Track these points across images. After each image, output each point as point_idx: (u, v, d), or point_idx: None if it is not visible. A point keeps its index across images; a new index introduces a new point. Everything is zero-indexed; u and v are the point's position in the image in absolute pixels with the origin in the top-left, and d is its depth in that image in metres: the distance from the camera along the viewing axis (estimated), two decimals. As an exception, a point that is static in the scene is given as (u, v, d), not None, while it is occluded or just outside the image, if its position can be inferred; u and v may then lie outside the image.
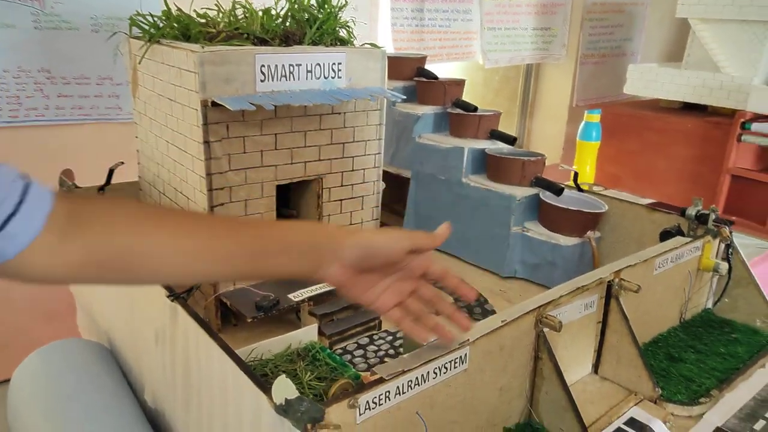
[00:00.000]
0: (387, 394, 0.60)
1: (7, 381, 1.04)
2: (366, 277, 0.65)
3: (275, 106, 0.88)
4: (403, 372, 0.61)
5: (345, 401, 0.57)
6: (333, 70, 0.99)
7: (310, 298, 0.95)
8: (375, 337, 0.98)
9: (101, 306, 1.12)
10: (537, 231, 1.18)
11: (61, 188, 1.19)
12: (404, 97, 1.07)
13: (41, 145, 1.62)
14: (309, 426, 0.53)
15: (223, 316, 0.98)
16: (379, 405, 0.59)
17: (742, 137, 1.99)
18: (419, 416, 0.64)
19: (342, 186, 1.07)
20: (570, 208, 1.14)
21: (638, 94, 2.42)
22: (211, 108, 0.88)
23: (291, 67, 0.94)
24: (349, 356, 0.93)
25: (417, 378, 0.62)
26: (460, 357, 0.67)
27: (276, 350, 0.84)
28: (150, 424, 0.90)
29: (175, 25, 0.99)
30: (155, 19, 1.01)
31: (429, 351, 0.65)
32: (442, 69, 1.69)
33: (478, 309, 1.10)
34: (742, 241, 1.06)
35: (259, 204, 0.98)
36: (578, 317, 0.84)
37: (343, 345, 0.96)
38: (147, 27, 1.01)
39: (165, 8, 1.01)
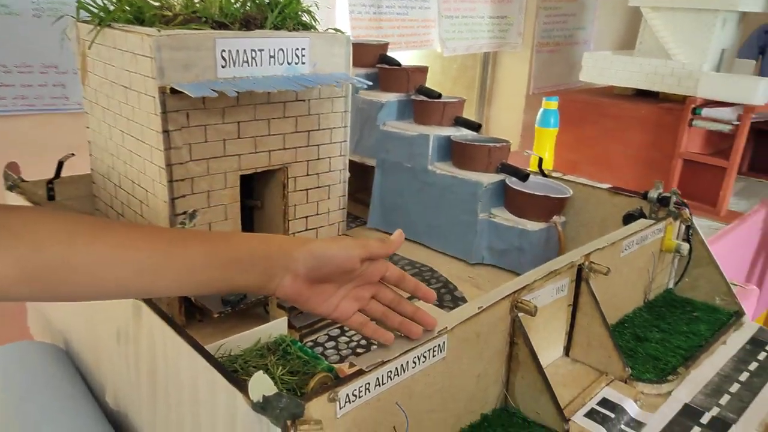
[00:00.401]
0: (367, 386, 0.58)
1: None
2: (321, 287, 0.62)
3: (238, 93, 0.84)
4: (383, 363, 0.60)
5: (325, 395, 0.55)
6: (296, 56, 0.96)
7: (278, 291, 0.93)
8: (346, 328, 0.96)
9: (56, 305, 1.07)
10: (504, 217, 1.19)
11: (7, 183, 1.12)
12: (370, 83, 1.05)
13: (-18, 138, 1.52)
14: (289, 423, 0.51)
15: (187, 311, 0.95)
16: (359, 397, 0.58)
17: (693, 122, 2.05)
18: (399, 407, 0.63)
19: (308, 175, 1.05)
20: (536, 193, 1.15)
21: (593, 82, 2.46)
22: (169, 95, 0.84)
23: (253, 53, 0.91)
24: (320, 348, 0.91)
25: (397, 368, 0.61)
26: (439, 345, 0.66)
27: (245, 345, 0.81)
28: (112, 426, 0.86)
29: (127, 8, 0.94)
30: (105, 1, 0.96)
31: (406, 342, 0.63)
32: (401, 57, 1.68)
33: (448, 296, 1.10)
34: (695, 222, 1.10)
35: (223, 195, 0.94)
36: (550, 301, 0.84)
37: (313, 337, 0.94)
38: (96, 10, 0.96)
39: (116, -10, 0.96)
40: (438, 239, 1.29)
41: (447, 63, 2.91)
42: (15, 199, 1.09)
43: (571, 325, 0.91)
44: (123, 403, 0.83)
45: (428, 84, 1.39)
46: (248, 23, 0.94)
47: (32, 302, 1.21)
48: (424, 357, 0.64)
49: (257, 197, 1.07)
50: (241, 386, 0.55)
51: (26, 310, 1.26)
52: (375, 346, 0.84)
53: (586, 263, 0.88)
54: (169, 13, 0.91)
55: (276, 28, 0.97)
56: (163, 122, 0.85)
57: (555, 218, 1.16)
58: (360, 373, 0.58)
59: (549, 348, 0.90)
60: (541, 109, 2.26)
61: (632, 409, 0.81)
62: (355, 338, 0.95)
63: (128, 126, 0.94)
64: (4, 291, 0.49)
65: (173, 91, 0.83)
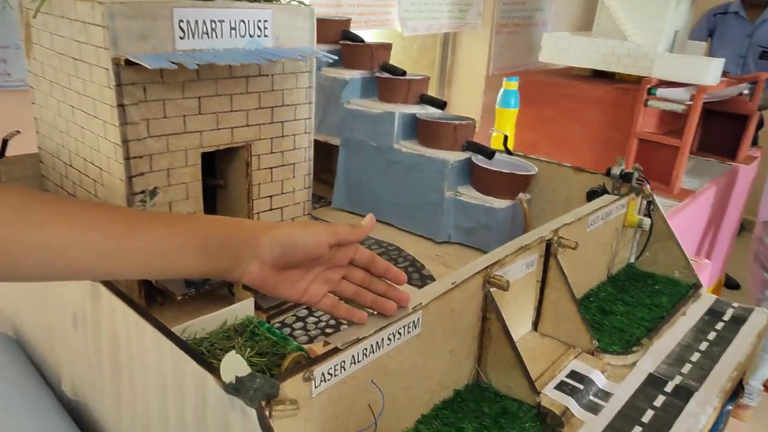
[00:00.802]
0: (342, 364, 0.57)
1: None
2: (288, 272, 0.59)
3: (198, 66, 0.80)
4: (358, 340, 0.58)
5: (299, 374, 0.53)
6: (259, 28, 0.92)
7: (244, 272, 0.90)
8: (314, 308, 0.94)
9: (4, 291, 1.01)
10: (470, 195, 1.19)
11: (-54, 163, 1.04)
12: (336, 57, 1.02)
13: None
14: (264, 404, 0.49)
15: (147, 295, 0.91)
16: (335, 376, 0.57)
17: (648, 102, 2.09)
18: (374, 384, 0.62)
19: (272, 153, 1.02)
20: (503, 171, 1.15)
21: (552, 62, 2.48)
22: (124, 67, 0.79)
23: (213, 24, 0.87)
24: (289, 330, 0.89)
25: (372, 346, 0.60)
26: (413, 322, 0.65)
27: (210, 328, 0.78)
28: (70, 416, 0.82)
29: (76, -26, 0.88)
30: (51, -33, 0.89)
31: (380, 320, 0.62)
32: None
33: (416, 275, 1.09)
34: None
35: (183, 173, 0.91)
36: (520, 276, 0.85)
37: (281, 318, 0.92)
38: (41, -24, 0.90)
39: (62, -45, 0.89)
40: (404, 218, 1.28)
41: (408, 43, 2.89)
42: (-44, 180, 1.02)
43: (540, 301, 0.92)
44: (82, 391, 0.79)
45: (389, 63, 1.37)
46: (207, -7, 0.89)
47: (-22, 290, 1.15)
48: (399, 334, 0.63)
49: (220, 176, 1.03)
50: (212, 368, 0.52)
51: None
52: (345, 326, 0.83)
53: (555, 238, 0.88)
54: (122, -20, 0.85)
55: (237, -2, 0.93)
56: (117, 96, 0.80)
57: (521, 195, 1.16)
58: (335, 351, 0.56)
59: (518, 323, 0.90)
60: (502, 90, 2.26)
61: (600, 380, 0.83)
62: (324, 318, 0.93)
63: (79, 101, 0.89)
64: None
65: (128, 63, 0.78)
